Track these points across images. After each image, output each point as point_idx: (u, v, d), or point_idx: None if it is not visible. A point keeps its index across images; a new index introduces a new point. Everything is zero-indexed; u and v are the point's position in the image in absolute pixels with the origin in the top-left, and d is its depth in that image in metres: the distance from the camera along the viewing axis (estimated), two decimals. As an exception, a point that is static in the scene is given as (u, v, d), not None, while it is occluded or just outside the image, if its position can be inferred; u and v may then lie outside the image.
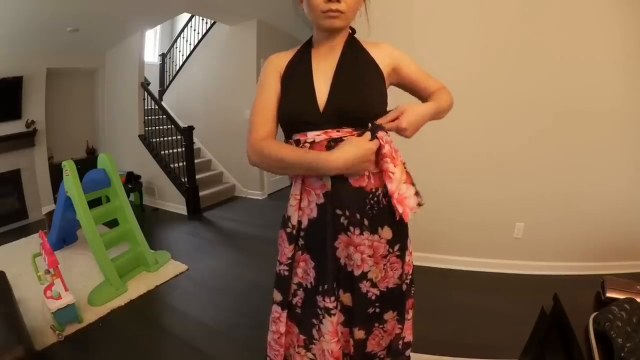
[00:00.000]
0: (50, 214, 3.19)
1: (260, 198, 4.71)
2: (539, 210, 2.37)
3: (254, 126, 0.89)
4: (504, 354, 1.50)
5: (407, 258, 0.95)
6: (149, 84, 4.70)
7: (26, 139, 3.77)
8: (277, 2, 3.75)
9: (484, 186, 2.42)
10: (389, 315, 0.97)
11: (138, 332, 1.95)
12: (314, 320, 0.95)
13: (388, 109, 0.89)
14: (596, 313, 0.74)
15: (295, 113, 0.87)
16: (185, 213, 4.09)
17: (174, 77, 5.38)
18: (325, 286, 0.91)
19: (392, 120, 0.86)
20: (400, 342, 1.03)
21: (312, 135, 0.85)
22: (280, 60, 0.93)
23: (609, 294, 0.82)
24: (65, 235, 3.02)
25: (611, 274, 0.94)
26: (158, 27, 5.62)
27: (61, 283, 1.90)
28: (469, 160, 2.41)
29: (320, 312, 0.93)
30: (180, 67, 5.24)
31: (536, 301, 0.99)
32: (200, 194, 4.21)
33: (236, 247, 3.15)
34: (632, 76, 2.11)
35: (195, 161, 4.21)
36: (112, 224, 2.75)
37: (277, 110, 0.89)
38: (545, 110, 2.22)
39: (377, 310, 0.95)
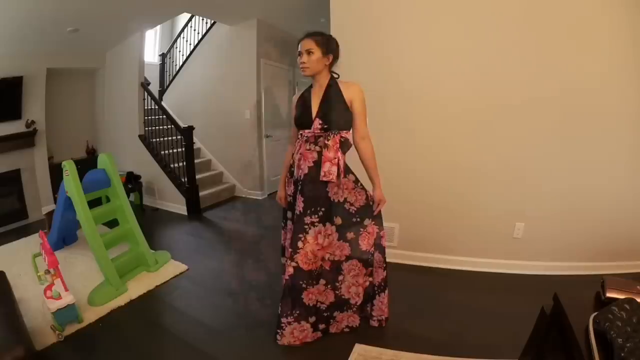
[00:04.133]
0: (50, 214, 3.18)
1: (260, 198, 4.71)
2: (539, 210, 2.37)
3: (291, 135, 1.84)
4: (504, 354, 1.50)
5: (364, 191, 1.69)
6: (149, 84, 4.69)
7: (26, 139, 3.76)
8: (277, 2, 3.75)
9: (484, 186, 2.42)
10: (367, 222, 1.69)
11: (138, 332, 1.95)
12: (301, 235, 1.62)
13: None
14: (596, 313, 0.74)
15: (302, 120, 1.66)
16: (185, 213, 4.09)
17: (174, 77, 5.38)
18: (312, 209, 1.61)
19: (378, 207, 1.68)
20: (381, 239, 1.74)
21: (308, 132, 1.64)
22: (295, 97, 1.74)
23: (609, 294, 0.82)
24: (65, 235, 3.02)
25: (611, 274, 0.94)
26: (158, 27, 5.61)
27: (61, 283, 1.90)
28: (468, 160, 2.41)
29: (306, 226, 1.62)
30: (180, 67, 5.23)
31: (536, 301, 0.99)
32: (200, 194, 4.21)
33: (236, 247, 3.15)
34: (631, 76, 2.11)
35: (195, 161, 4.20)
36: (112, 224, 2.75)
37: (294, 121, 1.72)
38: (545, 111, 2.22)
39: (358, 219, 1.68)
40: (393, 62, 2.44)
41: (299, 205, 1.63)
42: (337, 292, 1.75)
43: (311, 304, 1.69)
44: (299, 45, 1.59)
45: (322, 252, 1.66)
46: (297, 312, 1.68)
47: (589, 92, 2.16)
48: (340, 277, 1.73)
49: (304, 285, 1.65)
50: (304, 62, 1.57)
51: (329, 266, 1.71)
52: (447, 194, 2.49)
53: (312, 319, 1.73)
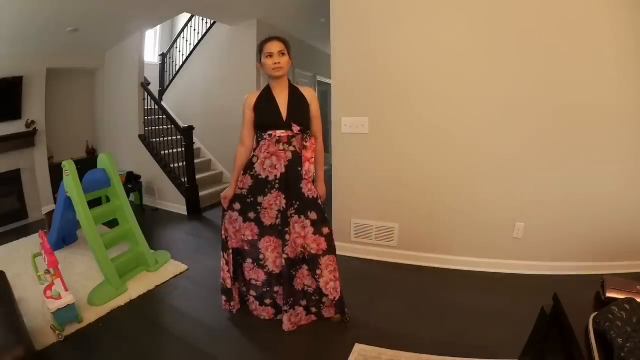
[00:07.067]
0: (50, 214, 3.18)
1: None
2: (539, 210, 2.37)
3: (242, 136, 1.84)
4: (504, 354, 1.50)
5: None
6: (149, 84, 4.69)
7: (26, 139, 3.76)
8: (277, 2, 3.75)
9: (484, 186, 2.42)
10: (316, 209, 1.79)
11: (138, 332, 1.95)
12: (287, 229, 1.74)
13: None
14: (596, 313, 0.74)
15: (271, 121, 1.71)
16: (185, 213, 4.09)
17: (174, 77, 5.38)
18: (296, 205, 1.74)
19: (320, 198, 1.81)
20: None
21: (279, 132, 1.70)
22: (251, 98, 1.76)
23: (609, 294, 0.82)
24: (65, 235, 3.02)
25: (611, 274, 0.94)
26: (158, 27, 5.61)
27: (61, 283, 1.90)
28: (468, 160, 2.41)
29: (289, 219, 1.74)
30: (180, 67, 5.23)
31: (536, 301, 0.99)
32: (200, 194, 4.21)
33: (236, 247, 3.14)
34: (632, 77, 2.11)
35: (195, 161, 4.21)
36: (112, 224, 2.75)
37: (255, 122, 1.76)
38: (545, 110, 2.22)
39: (326, 215, 1.82)
40: (394, 62, 2.43)
41: (281, 203, 1.74)
42: (318, 281, 1.82)
43: (300, 289, 1.84)
44: (265, 47, 1.65)
45: (301, 240, 1.77)
46: (292, 299, 1.80)
47: (590, 96, 2.16)
48: (318, 272, 1.79)
49: (293, 273, 1.79)
50: (278, 63, 1.64)
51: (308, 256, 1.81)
52: (447, 193, 2.49)
53: (304, 302, 1.87)
